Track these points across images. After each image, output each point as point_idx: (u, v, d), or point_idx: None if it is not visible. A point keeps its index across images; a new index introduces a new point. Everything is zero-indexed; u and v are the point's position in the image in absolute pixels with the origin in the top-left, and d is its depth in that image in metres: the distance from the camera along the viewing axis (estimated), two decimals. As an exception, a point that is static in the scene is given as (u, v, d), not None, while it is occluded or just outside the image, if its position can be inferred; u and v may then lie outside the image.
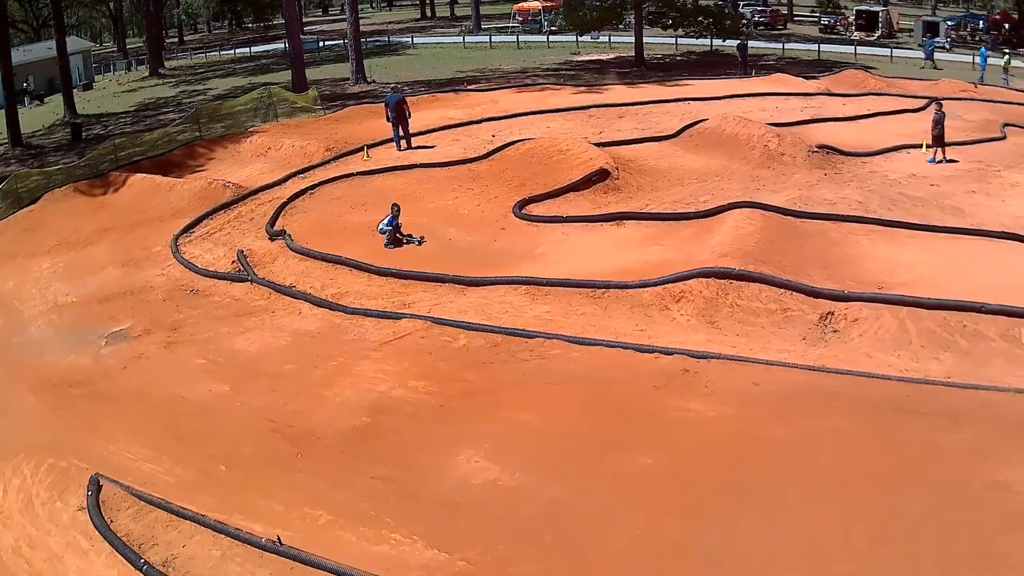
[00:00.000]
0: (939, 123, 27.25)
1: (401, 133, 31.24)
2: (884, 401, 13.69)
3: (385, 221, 22.48)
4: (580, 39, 65.50)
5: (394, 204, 22.70)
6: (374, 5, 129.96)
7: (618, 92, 41.40)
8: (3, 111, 49.02)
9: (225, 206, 26.95)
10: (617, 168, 25.69)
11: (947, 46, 61.67)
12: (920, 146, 28.37)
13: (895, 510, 11.03)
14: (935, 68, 51.97)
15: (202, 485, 12.97)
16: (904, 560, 10.22)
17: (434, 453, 13.23)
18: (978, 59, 50.40)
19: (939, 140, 27.33)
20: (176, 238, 24.68)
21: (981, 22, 72.10)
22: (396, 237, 22.31)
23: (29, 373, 18.33)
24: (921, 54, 55.74)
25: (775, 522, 10.97)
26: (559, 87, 43.99)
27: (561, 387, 14.89)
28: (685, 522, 11.21)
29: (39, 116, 57.44)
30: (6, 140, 48.31)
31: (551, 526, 11.41)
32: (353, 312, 18.62)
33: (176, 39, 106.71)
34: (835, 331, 16.29)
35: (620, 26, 64.28)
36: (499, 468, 12.69)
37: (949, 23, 67.95)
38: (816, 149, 27.64)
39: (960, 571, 10.02)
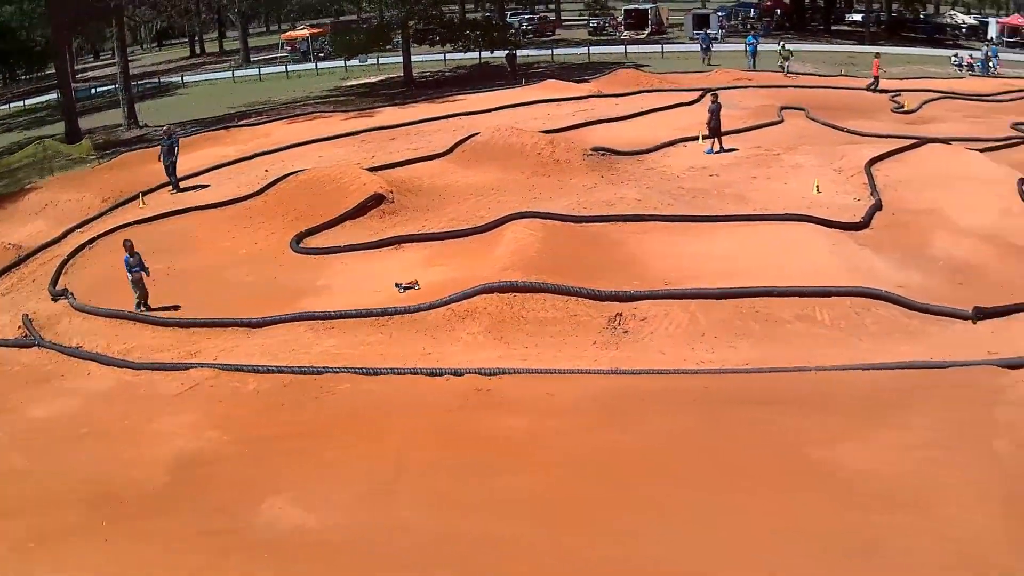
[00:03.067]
0: (715, 113, 27.69)
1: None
2: (698, 395, 13.87)
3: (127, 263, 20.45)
4: (348, 64, 64.74)
5: (125, 240, 21.06)
6: (144, 47, 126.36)
7: (388, 114, 40.96)
8: None
9: (7, 269, 25.34)
10: (392, 191, 25.08)
11: (719, 37, 63.12)
12: (697, 138, 28.68)
13: (761, 503, 11.07)
14: (710, 64, 52.56)
15: (14, 566, 11.87)
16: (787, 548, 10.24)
17: (240, 503, 12.46)
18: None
19: (716, 131, 27.79)
20: (-41, 307, 22.81)
21: (752, 10, 74.40)
22: (144, 287, 20.51)
23: None
24: (697, 48, 56.02)
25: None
26: (330, 114, 43.07)
27: (355, 420, 14.39)
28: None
29: None
30: None
31: (366, 566, 10.85)
32: (141, 367, 17.61)
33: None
34: (626, 332, 16.20)
35: (388, 47, 63.71)
36: (305, 510, 12.02)
37: (720, 14, 69.78)
38: (591, 152, 27.63)
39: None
